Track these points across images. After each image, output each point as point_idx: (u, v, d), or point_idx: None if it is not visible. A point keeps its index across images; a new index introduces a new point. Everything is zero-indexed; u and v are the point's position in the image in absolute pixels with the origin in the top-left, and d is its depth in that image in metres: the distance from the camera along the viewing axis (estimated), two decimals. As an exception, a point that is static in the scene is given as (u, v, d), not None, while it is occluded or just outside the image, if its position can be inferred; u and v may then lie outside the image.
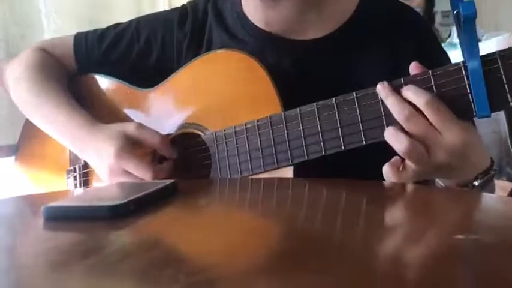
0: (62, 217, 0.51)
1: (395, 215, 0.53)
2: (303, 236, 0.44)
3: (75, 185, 0.98)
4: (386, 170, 0.69)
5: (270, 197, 0.66)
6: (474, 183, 0.71)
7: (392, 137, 0.67)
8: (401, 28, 0.86)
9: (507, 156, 1.51)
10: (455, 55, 0.81)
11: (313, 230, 0.46)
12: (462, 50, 0.65)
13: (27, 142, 1.07)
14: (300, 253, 0.38)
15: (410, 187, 0.72)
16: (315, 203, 0.59)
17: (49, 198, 0.78)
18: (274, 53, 0.87)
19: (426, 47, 0.83)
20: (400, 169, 0.68)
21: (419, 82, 0.68)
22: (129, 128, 0.84)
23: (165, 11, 1.02)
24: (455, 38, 2.36)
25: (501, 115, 1.55)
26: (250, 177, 0.80)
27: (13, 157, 1.11)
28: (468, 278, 0.33)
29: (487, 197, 0.61)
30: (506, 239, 0.40)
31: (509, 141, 1.50)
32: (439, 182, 0.76)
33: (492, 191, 0.78)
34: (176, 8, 0.99)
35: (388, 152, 0.69)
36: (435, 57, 0.74)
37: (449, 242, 0.40)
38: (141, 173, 0.81)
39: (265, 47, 0.87)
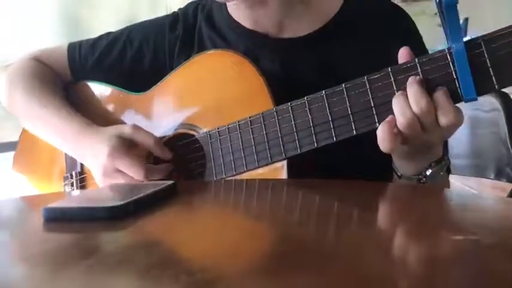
0: (62, 218, 0.51)
1: (390, 215, 0.54)
2: (299, 237, 0.44)
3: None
4: (381, 129, 0.68)
5: (267, 198, 0.66)
6: (427, 172, 0.72)
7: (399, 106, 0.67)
8: (389, 27, 0.87)
9: (507, 157, 1.51)
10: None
11: (308, 231, 0.47)
12: (446, 37, 0.66)
13: (24, 150, 1.07)
14: (296, 254, 0.38)
15: (406, 186, 0.72)
16: (310, 205, 0.59)
17: (49, 199, 0.78)
18: (262, 52, 0.88)
19: (412, 48, 0.84)
20: (395, 131, 0.67)
21: (406, 70, 0.69)
22: (124, 130, 0.85)
23: (156, 18, 1.04)
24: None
25: (500, 116, 1.54)
26: (246, 178, 0.80)
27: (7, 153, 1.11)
28: (467, 278, 0.33)
29: (486, 198, 0.61)
30: (506, 239, 0.40)
31: (508, 142, 1.49)
32: (396, 172, 0.76)
33: (446, 185, 0.78)
34: (167, 14, 1.01)
35: (380, 149, 0.69)
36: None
37: (448, 243, 0.40)
38: (133, 172, 0.82)
39: (254, 47, 0.88)
